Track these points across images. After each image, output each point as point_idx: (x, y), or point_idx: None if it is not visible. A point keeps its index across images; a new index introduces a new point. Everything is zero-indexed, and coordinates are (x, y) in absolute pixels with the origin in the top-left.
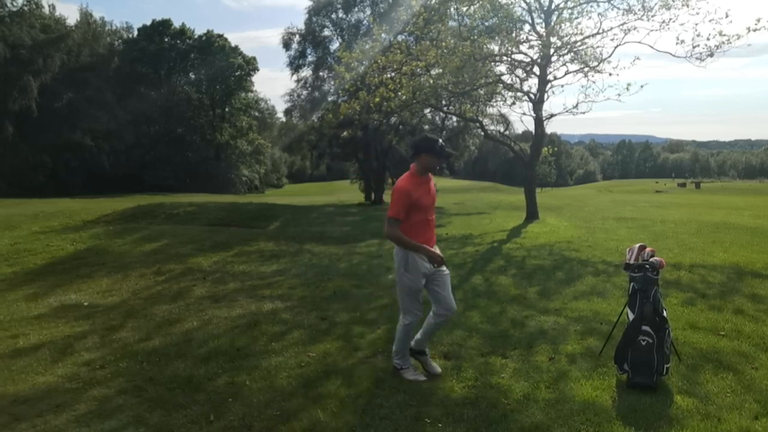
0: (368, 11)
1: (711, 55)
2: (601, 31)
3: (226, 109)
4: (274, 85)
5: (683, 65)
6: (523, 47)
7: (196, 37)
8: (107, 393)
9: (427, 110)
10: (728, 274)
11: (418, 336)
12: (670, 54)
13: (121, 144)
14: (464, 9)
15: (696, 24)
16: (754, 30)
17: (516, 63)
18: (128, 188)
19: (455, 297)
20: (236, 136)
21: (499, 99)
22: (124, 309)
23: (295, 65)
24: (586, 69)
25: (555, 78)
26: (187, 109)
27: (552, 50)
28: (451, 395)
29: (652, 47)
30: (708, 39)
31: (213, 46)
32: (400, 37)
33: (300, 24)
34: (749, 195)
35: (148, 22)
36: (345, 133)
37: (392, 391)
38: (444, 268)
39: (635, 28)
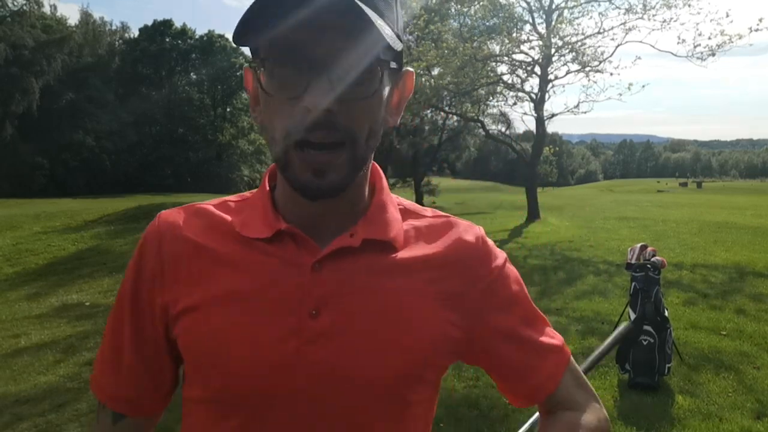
0: None
1: (712, 54)
2: (601, 30)
3: (228, 109)
4: None
5: (685, 65)
6: (524, 47)
7: (197, 37)
8: None
9: (428, 110)
10: (730, 273)
11: None
12: (672, 53)
13: (123, 144)
14: (465, 9)
15: (697, 23)
16: (756, 30)
17: (517, 63)
18: (130, 188)
19: None
20: (238, 136)
21: (501, 99)
22: None
23: None
24: (587, 69)
25: (556, 78)
26: (188, 110)
27: (553, 50)
28: (452, 395)
29: (653, 47)
30: (709, 38)
31: (214, 47)
32: None
33: None
34: (751, 194)
35: (149, 22)
36: None
37: None
38: None
39: (636, 28)
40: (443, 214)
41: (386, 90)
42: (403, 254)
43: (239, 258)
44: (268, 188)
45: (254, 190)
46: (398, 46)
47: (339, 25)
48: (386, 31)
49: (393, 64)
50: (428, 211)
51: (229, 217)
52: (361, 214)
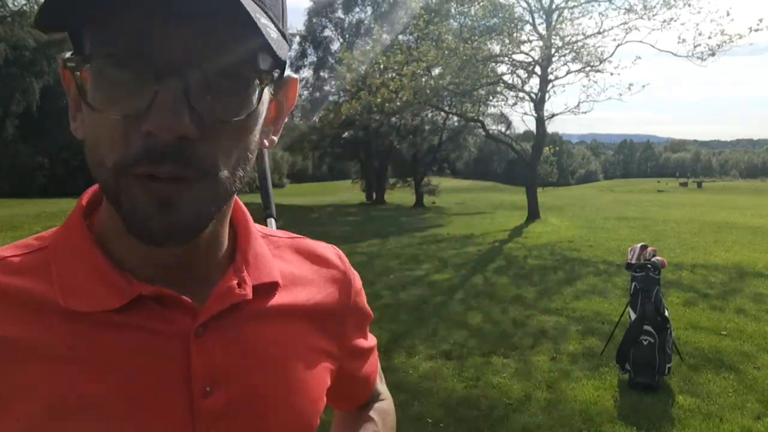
0: (369, 11)
1: (713, 54)
2: (602, 30)
3: None
4: None
5: (685, 64)
6: (525, 47)
7: None
8: None
9: (428, 110)
10: (730, 273)
11: None
12: (672, 53)
13: None
14: (465, 9)
15: (697, 23)
16: (756, 30)
17: (517, 63)
18: None
19: (455, 298)
20: None
21: (501, 99)
22: None
23: (295, 66)
24: (587, 69)
25: (556, 78)
26: None
27: (553, 50)
28: (452, 395)
29: (653, 46)
30: (709, 38)
31: None
32: (401, 37)
33: (300, 24)
34: (751, 194)
35: None
36: (346, 134)
37: (394, 390)
38: None
39: (636, 28)
40: (293, 234)
41: (264, 106)
42: (285, 294)
43: (76, 344)
44: (87, 229)
45: (45, 234)
46: (284, 52)
47: (205, 19)
48: (271, 34)
49: (275, 73)
50: (279, 232)
51: (27, 283)
52: (230, 254)
